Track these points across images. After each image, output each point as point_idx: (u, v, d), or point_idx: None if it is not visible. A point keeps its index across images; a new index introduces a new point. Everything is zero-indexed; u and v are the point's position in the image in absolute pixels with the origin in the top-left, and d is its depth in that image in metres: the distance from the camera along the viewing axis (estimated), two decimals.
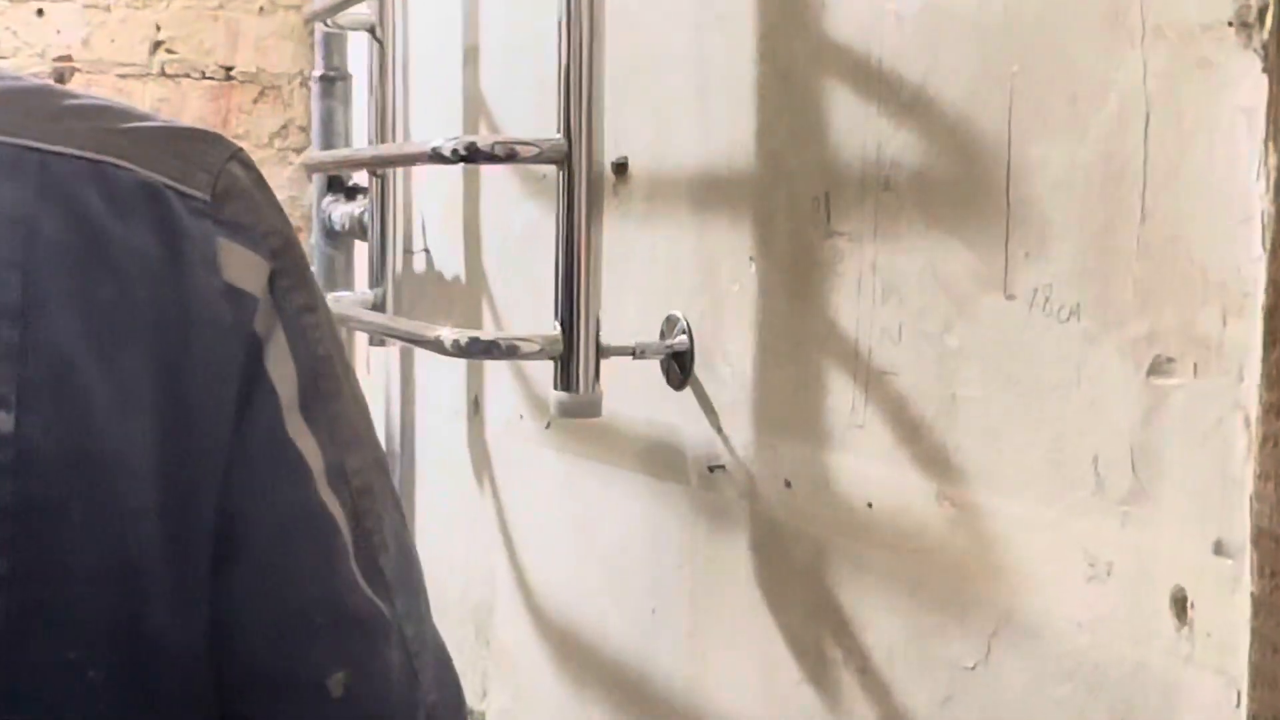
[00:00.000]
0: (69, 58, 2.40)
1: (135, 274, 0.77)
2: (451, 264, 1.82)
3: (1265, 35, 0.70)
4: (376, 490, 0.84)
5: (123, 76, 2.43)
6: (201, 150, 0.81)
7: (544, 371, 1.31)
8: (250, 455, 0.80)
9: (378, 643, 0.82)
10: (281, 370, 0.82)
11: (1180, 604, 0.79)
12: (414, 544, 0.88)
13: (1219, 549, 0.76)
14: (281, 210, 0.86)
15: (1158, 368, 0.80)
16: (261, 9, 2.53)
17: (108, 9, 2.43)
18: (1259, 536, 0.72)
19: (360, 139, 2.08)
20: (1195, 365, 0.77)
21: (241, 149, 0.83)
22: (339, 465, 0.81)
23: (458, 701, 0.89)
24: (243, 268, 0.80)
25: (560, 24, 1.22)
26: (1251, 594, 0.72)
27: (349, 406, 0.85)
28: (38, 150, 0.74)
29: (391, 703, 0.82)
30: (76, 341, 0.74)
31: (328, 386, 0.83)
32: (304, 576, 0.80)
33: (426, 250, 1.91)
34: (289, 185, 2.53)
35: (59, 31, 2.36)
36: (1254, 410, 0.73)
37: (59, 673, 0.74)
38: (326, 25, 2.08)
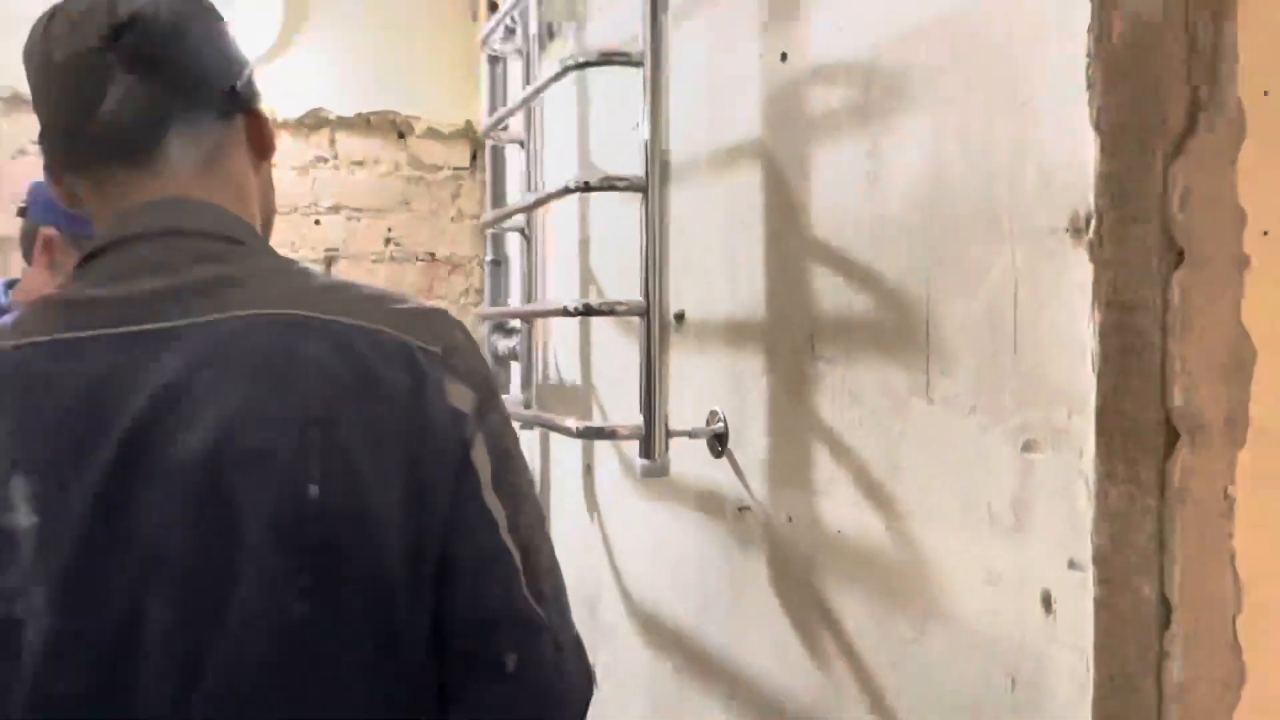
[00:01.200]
0: (335, 249, 2.44)
1: (394, 400, 0.86)
2: (572, 377, 1.84)
3: (1090, 236, 0.74)
4: (538, 537, 0.92)
5: (371, 260, 2.46)
6: (437, 323, 0.91)
7: (632, 447, 1.37)
8: (461, 515, 0.87)
9: (539, 637, 0.89)
10: (481, 460, 0.88)
11: (1047, 601, 0.81)
12: (560, 570, 0.94)
13: (1072, 565, 0.78)
14: (483, 358, 0.96)
15: (1028, 447, 0.83)
16: (453, 219, 2.52)
17: (358, 219, 2.46)
18: (1097, 557, 0.74)
19: (515, 298, 2.13)
20: (1051, 445, 0.81)
21: (460, 322, 0.95)
22: (515, 520, 0.89)
23: (588, 680, 0.94)
24: (460, 397, 0.88)
25: (641, 224, 1.26)
26: (1094, 595, 0.74)
27: (521, 480, 0.93)
28: (334, 324, 0.86)
29: (545, 676, 0.89)
30: (356, 442, 0.83)
31: (510, 468, 0.90)
32: (493, 593, 0.89)
33: (557, 369, 1.92)
34: (470, 327, 2.50)
35: (329, 234, 2.40)
36: (1091, 475, 0.75)
37: (341, 645, 0.84)
38: (494, 228, 2.12)
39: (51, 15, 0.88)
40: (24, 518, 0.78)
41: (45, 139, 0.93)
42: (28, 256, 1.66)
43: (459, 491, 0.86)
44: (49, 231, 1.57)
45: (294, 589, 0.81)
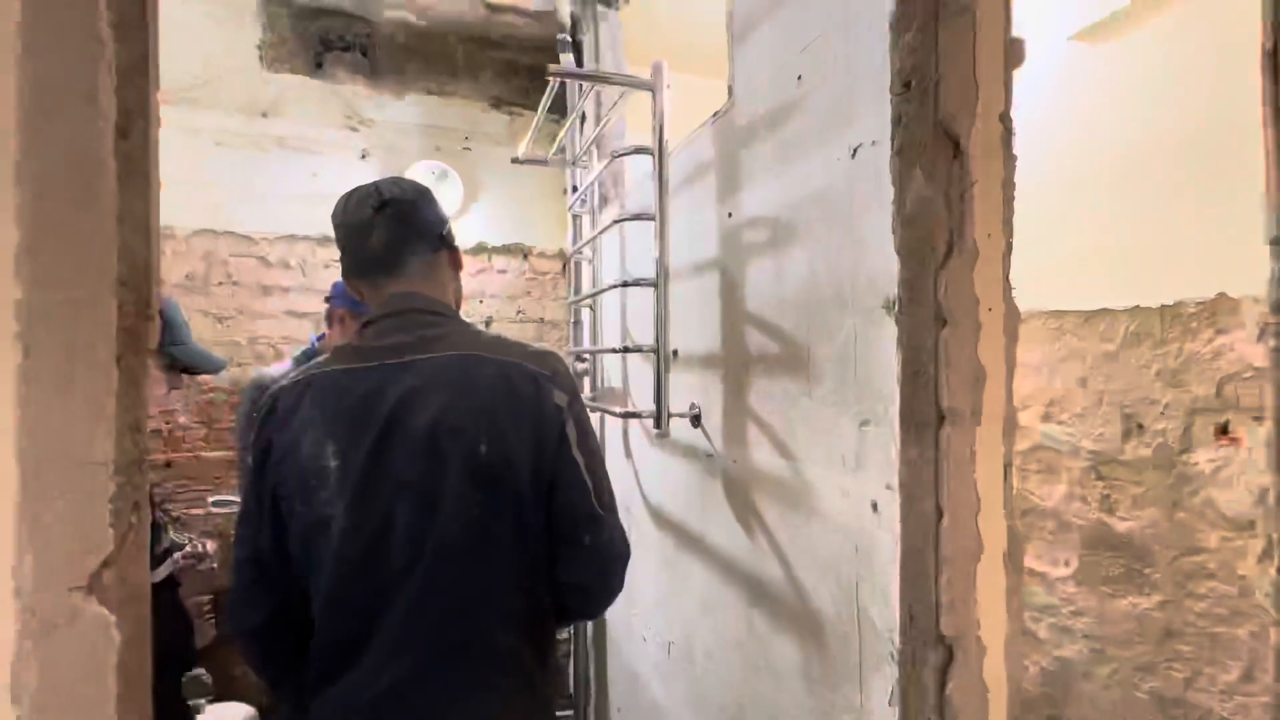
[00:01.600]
0: (491, 317, 2.44)
1: (524, 400, 0.89)
2: (617, 384, 1.81)
3: (895, 310, 0.73)
4: (600, 472, 0.93)
5: (509, 322, 2.46)
6: (548, 358, 0.94)
7: (649, 422, 1.33)
8: (560, 460, 0.90)
9: (601, 526, 0.91)
10: (570, 431, 0.91)
11: (875, 506, 0.78)
12: (613, 490, 0.96)
13: (888, 487, 0.76)
14: (572, 377, 0.96)
15: (864, 424, 0.81)
16: (553, 300, 2.49)
17: (503, 300, 2.46)
18: (901, 484, 0.72)
19: (586, 343, 2.08)
20: (875, 423, 0.79)
21: (560, 357, 0.97)
22: (589, 463, 0.91)
23: (627, 549, 0.95)
24: (559, 398, 0.91)
25: (654, 303, 1.26)
26: (899, 504, 0.73)
27: (592, 442, 0.93)
28: (494, 359, 0.90)
29: (604, 548, 0.91)
30: (505, 423, 0.87)
31: (586, 436, 0.92)
32: (576, 502, 0.90)
33: (608, 380, 1.91)
34: (563, 357, 2.52)
35: (488, 309, 2.42)
36: (897, 440, 0.73)
37: (498, 530, 0.87)
38: (574, 305, 2.08)
39: (347, 197, 0.96)
40: (332, 461, 0.85)
41: (343, 260, 0.97)
42: (329, 323, 1.70)
43: (559, 448, 0.88)
44: (341, 310, 1.62)
45: (474, 500, 0.85)
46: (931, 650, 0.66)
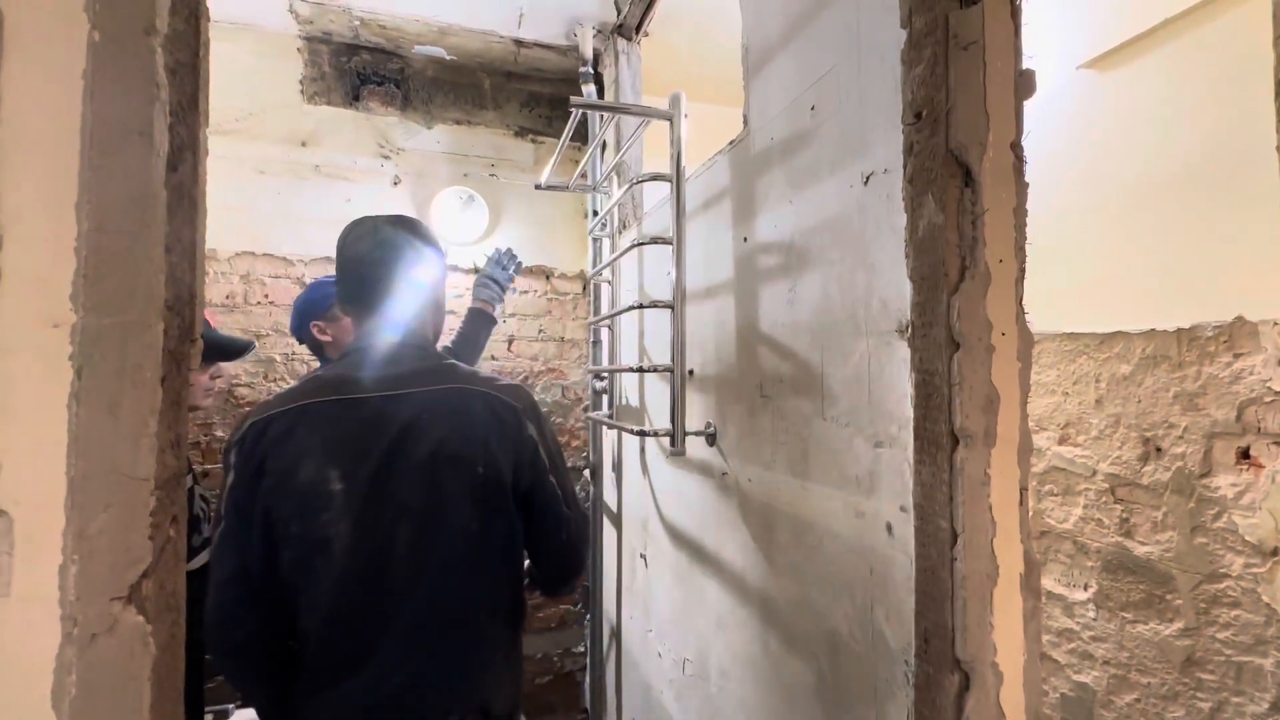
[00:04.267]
0: (513, 335, 2.42)
1: (507, 428, 0.97)
2: (634, 403, 1.79)
3: (908, 334, 0.73)
4: (566, 478, 1.02)
5: (529, 341, 2.45)
6: (520, 391, 1.02)
7: (665, 440, 1.36)
8: (537, 476, 0.99)
9: (569, 523, 1.01)
10: (543, 456, 1.00)
11: (889, 528, 0.78)
12: (576, 492, 1.06)
13: (903, 509, 0.75)
14: (538, 407, 1.03)
15: (878, 445, 0.80)
16: (573, 320, 2.47)
17: (525, 320, 2.46)
18: (916, 505, 0.71)
19: (605, 361, 2.08)
20: (890, 445, 0.78)
21: (528, 390, 1.11)
22: (558, 476, 1.01)
23: (588, 534, 1.25)
24: (531, 430, 1.00)
25: (671, 324, 1.25)
26: (914, 526, 0.72)
27: (559, 457, 1.02)
28: (480, 392, 0.97)
29: (571, 539, 1.01)
30: (495, 449, 0.95)
31: (554, 455, 1.01)
32: (551, 508, 0.99)
33: (626, 399, 1.88)
34: (581, 377, 2.45)
35: (509, 329, 2.44)
36: (911, 461, 0.72)
37: (492, 541, 0.96)
38: (594, 325, 2.09)
39: (351, 228, 0.99)
40: (335, 485, 0.87)
41: (338, 287, 0.99)
42: (323, 328, 1.52)
43: (534, 469, 0.97)
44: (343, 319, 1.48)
45: (474, 518, 0.92)
46: (948, 675, 0.64)
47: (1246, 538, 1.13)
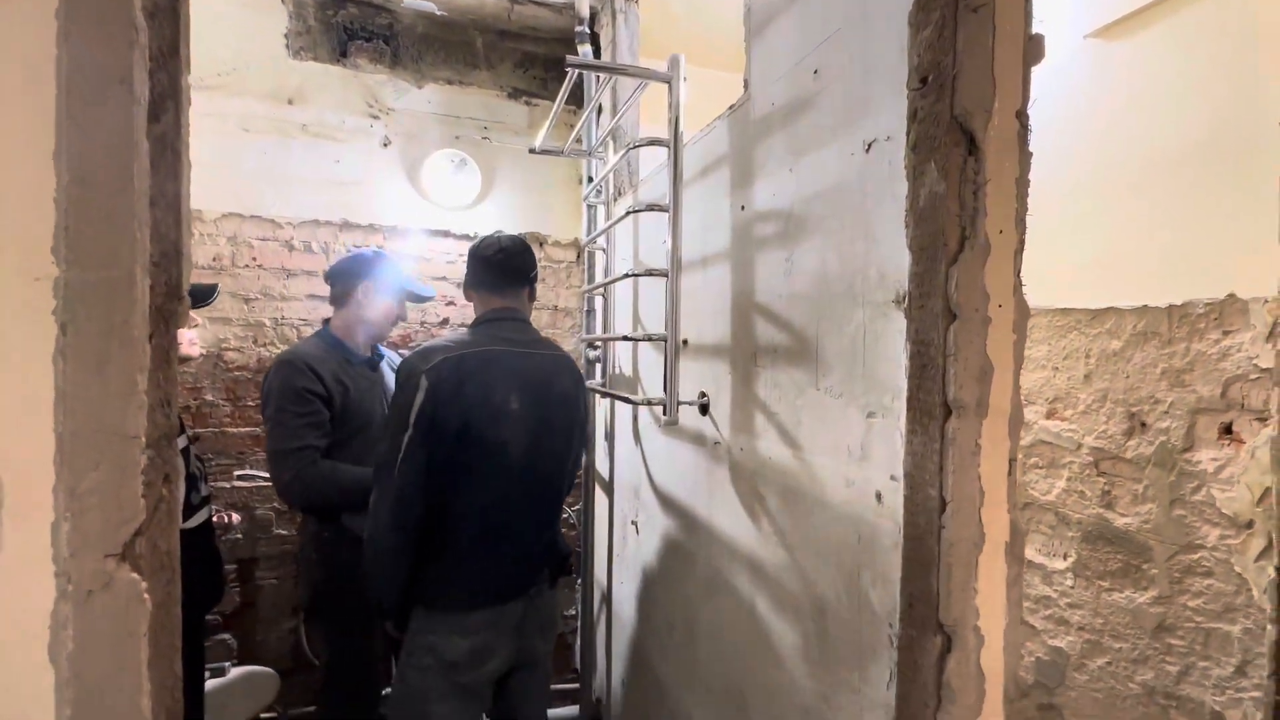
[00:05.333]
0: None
1: (581, 385, 1.32)
2: (628, 372, 1.79)
3: (905, 305, 0.72)
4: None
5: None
6: (571, 359, 1.37)
7: (658, 409, 1.35)
8: (587, 426, 1.40)
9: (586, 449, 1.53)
10: (591, 411, 1.21)
11: (879, 496, 0.78)
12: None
13: (892, 478, 0.76)
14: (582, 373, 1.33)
15: (870, 415, 0.80)
16: (567, 288, 2.45)
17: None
18: (906, 474, 0.72)
19: (598, 330, 2.07)
20: (882, 414, 0.78)
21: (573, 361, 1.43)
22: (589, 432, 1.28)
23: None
24: (582, 387, 1.31)
25: (665, 293, 1.24)
26: (903, 494, 0.72)
27: (591, 427, 1.26)
28: (565, 358, 1.33)
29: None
30: (580, 395, 1.32)
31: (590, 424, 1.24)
32: (589, 439, 1.42)
33: (619, 368, 1.89)
34: (574, 345, 2.45)
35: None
36: (903, 430, 0.73)
37: (569, 469, 1.43)
38: (588, 294, 2.09)
39: (482, 240, 1.39)
40: (514, 405, 1.26)
41: (472, 277, 1.39)
42: (346, 299, 1.69)
43: (586, 421, 1.45)
44: (398, 301, 1.72)
45: (570, 438, 1.38)
46: (930, 637, 0.66)
47: (1224, 510, 1.16)
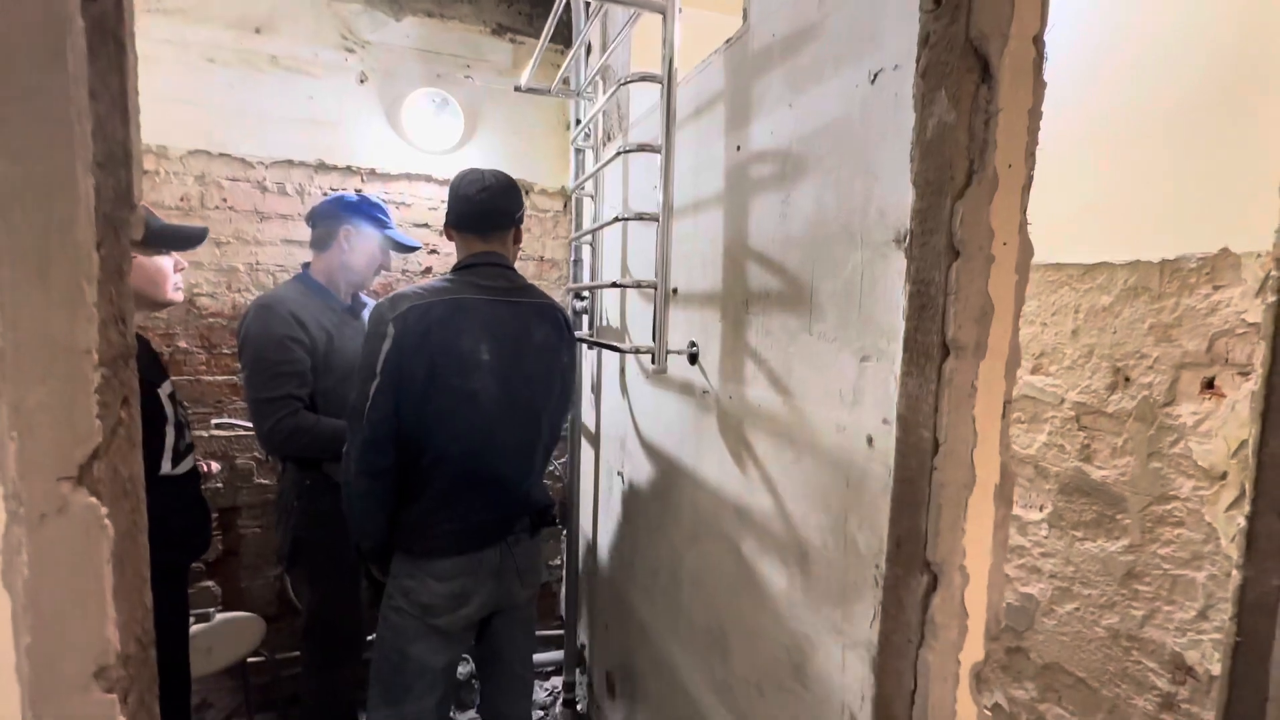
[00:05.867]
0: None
1: (566, 334, 1.30)
2: (615, 321, 1.78)
3: (906, 244, 0.70)
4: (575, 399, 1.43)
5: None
6: (559, 307, 1.31)
7: (646, 358, 1.35)
8: (573, 374, 1.37)
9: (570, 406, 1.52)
10: (576, 359, 1.29)
11: (870, 440, 0.78)
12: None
13: (885, 421, 0.75)
14: (571, 322, 1.32)
15: (864, 359, 0.79)
16: (554, 238, 2.40)
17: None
18: (899, 417, 0.71)
19: (586, 279, 2.04)
20: (876, 358, 0.77)
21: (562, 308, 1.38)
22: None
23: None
24: (569, 336, 1.29)
25: (656, 239, 1.21)
26: (896, 437, 0.72)
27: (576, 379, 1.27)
28: (551, 305, 1.29)
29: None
30: (565, 345, 1.28)
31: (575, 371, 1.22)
32: (574, 391, 1.42)
33: (607, 317, 1.87)
34: (561, 295, 2.40)
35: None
36: (898, 373, 0.72)
37: (552, 421, 1.39)
38: (575, 242, 2.04)
39: (464, 175, 1.34)
40: (485, 355, 1.23)
41: (453, 217, 1.33)
42: (327, 243, 1.65)
43: (571, 369, 1.38)
44: (381, 248, 1.70)
45: (551, 391, 1.33)
46: (916, 576, 0.66)
47: (1199, 463, 1.18)
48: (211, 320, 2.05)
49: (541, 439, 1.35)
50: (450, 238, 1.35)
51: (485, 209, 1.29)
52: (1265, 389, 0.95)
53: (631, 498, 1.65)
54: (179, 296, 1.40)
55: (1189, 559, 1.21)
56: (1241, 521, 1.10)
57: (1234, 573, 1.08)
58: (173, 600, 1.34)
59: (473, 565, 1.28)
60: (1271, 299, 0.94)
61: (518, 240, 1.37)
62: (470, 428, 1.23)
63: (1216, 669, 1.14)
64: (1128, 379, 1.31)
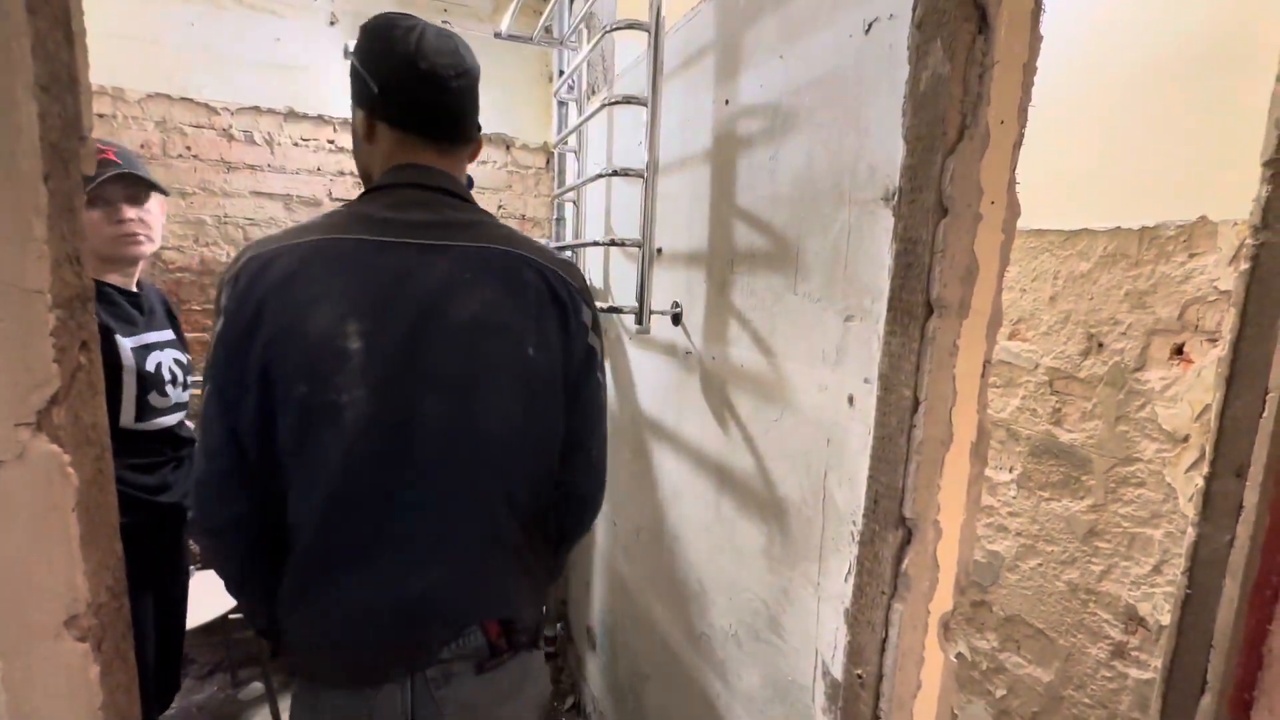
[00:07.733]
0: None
1: (563, 308, 0.81)
2: (599, 282, 1.75)
3: (894, 202, 0.70)
4: (605, 395, 0.90)
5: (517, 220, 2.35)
6: (575, 270, 0.85)
7: (630, 319, 1.33)
8: (588, 371, 0.85)
9: (602, 441, 0.91)
10: (596, 348, 0.86)
11: (851, 400, 0.78)
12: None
13: (866, 381, 0.76)
14: (592, 294, 0.88)
15: (848, 319, 0.79)
16: (535, 196, 2.33)
17: (482, 194, 2.28)
18: (880, 376, 0.72)
19: (569, 238, 2.01)
20: (860, 318, 0.77)
21: (580, 271, 0.88)
22: (602, 380, 0.88)
23: (606, 464, 0.94)
24: (586, 315, 0.84)
25: (641, 197, 1.18)
26: (876, 396, 0.72)
27: (604, 360, 0.90)
28: (534, 261, 0.80)
29: (601, 463, 0.91)
30: (550, 329, 0.80)
31: (603, 354, 0.88)
32: (593, 415, 0.87)
33: (591, 277, 1.84)
34: None
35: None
36: (881, 333, 0.72)
37: (538, 430, 0.81)
38: (558, 200, 1.99)
39: (409, 31, 0.75)
40: (354, 342, 0.70)
41: (379, 101, 0.76)
42: None
43: (587, 362, 0.84)
44: None
45: (518, 401, 0.77)
46: (892, 531, 0.68)
47: (1164, 426, 1.22)
48: (179, 275, 1.98)
49: (500, 487, 0.77)
50: (366, 137, 0.80)
51: (428, 86, 0.76)
52: (1232, 354, 0.98)
53: (613, 457, 1.66)
54: (137, 249, 1.27)
55: (1148, 518, 1.26)
56: (1200, 482, 1.14)
57: (1189, 530, 1.13)
58: (172, 556, 1.32)
59: (359, 712, 0.74)
60: (1244, 266, 0.96)
61: (474, 157, 0.87)
62: (334, 467, 0.71)
63: (1166, 619, 1.21)
64: (1101, 345, 1.33)
